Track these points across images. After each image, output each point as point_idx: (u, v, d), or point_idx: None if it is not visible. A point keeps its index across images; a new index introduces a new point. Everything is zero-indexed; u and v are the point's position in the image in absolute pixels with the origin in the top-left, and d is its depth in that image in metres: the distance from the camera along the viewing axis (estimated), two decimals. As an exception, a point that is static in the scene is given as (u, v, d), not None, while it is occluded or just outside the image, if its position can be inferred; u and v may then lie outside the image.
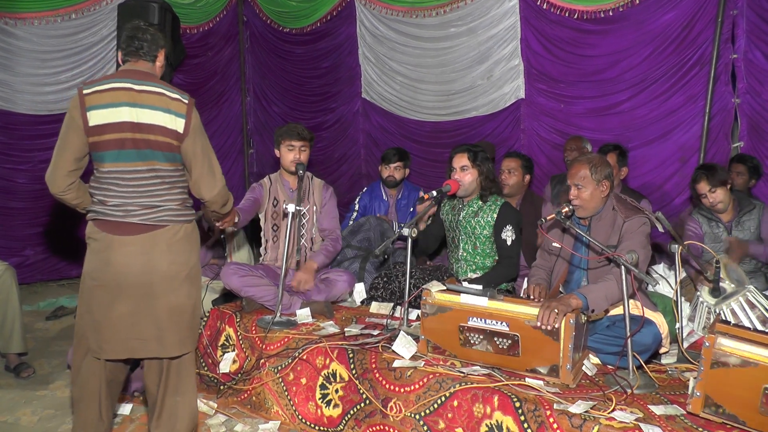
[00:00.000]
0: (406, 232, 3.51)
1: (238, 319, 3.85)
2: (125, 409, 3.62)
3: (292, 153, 4.07)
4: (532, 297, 3.15)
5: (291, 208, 3.66)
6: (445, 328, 3.08)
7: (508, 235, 3.87)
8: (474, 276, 3.94)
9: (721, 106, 5.19)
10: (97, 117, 2.65)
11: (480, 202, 3.96)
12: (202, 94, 7.53)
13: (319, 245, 4.25)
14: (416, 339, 3.23)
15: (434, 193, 3.73)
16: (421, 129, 6.57)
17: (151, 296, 2.72)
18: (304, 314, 3.83)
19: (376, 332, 3.51)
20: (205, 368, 3.86)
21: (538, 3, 5.64)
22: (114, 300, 2.70)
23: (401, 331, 3.29)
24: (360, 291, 4.20)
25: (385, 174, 5.11)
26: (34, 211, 6.69)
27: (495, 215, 3.91)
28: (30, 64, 6.29)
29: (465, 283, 3.13)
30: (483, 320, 2.96)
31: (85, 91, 2.68)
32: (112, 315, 2.70)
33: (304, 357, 3.42)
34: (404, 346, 3.17)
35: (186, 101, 2.78)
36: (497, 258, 3.97)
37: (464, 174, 3.91)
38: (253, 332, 3.72)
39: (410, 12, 6.32)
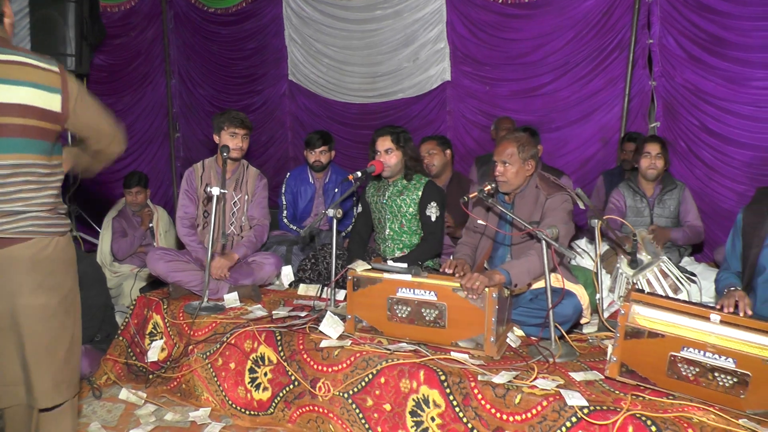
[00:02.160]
0: (330, 213, 3.50)
1: (165, 306, 3.75)
2: None
3: (234, 140, 3.98)
4: (449, 272, 3.19)
5: (216, 191, 3.59)
6: (372, 304, 3.08)
7: (433, 212, 3.92)
8: (400, 255, 3.97)
9: (639, 89, 5.40)
10: None
11: (405, 181, 3.99)
12: (126, 75, 7.27)
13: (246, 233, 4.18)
14: (343, 319, 3.22)
15: (359, 173, 3.72)
16: (348, 111, 6.55)
17: (13, 330, 2.15)
18: (231, 299, 3.78)
19: (303, 314, 3.49)
20: (133, 358, 3.76)
21: (462, -14, 5.70)
22: None
23: (328, 312, 3.29)
24: (287, 274, 4.16)
25: (311, 159, 5.07)
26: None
27: (420, 193, 3.94)
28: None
29: (390, 262, 3.13)
30: (411, 291, 2.98)
31: None
32: None
33: (233, 341, 3.37)
34: (331, 326, 3.17)
35: (56, 69, 2.19)
36: (422, 235, 4.00)
37: (389, 156, 3.92)
38: (181, 319, 3.64)
39: (337, -6, 6.27)
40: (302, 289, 3.99)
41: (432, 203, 3.93)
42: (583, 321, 3.33)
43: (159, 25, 7.50)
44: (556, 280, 3.12)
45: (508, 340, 3.03)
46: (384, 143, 3.93)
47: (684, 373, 2.44)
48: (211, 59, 7.32)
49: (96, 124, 2.32)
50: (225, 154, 3.88)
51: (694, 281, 3.82)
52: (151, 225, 5.54)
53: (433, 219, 3.92)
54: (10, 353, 2.16)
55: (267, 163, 6.99)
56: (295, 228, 5.04)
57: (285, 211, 5.14)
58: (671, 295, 3.48)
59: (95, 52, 6.54)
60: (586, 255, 4.25)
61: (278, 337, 3.25)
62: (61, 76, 2.18)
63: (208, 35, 7.27)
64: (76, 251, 4.34)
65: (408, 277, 2.99)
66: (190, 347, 3.51)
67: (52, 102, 2.15)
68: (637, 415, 2.30)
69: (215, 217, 3.65)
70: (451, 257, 3.40)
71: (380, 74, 6.26)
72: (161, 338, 3.70)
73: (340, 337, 3.14)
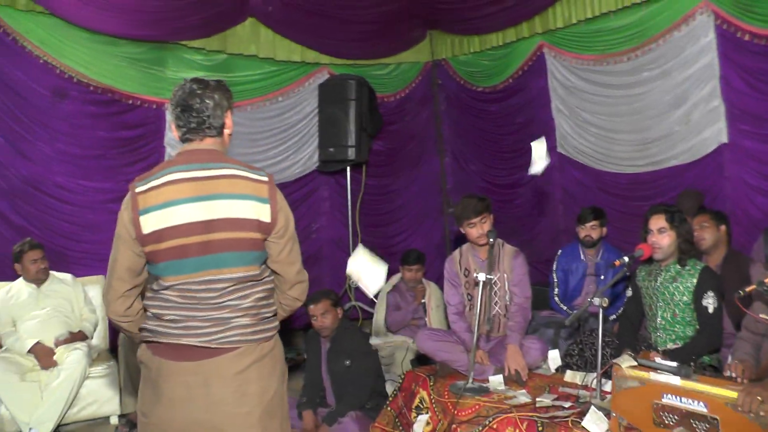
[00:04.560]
0: (596, 301, 3.42)
1: (431, 383, 3.96)
2: None
3: (474, 229, 4.10)
4: (734, 375, 2.86)
5: (482, 277, 3.78)
6: (637, 405, 2.91)
7: (710, 302, 3.57)
8: (673, 346, 3.68)
9: None
10: (153, 221, 2.10)
11: (678, 267, 3.71)
12: (401, 158, 7.83)
13: (511, 314, 4.23)
14: (608, 414, 3.09)
15: (626, 258, 3.59)
16: (618, 181, 6.24)
17: None
18: (496, 381, 3.85)
19: (567, 404, 3.42)
20: (400, 428, 4.02)
21: (738, 35, 5.09)
22: None
23: (592, 406, 3.18)
24: (554, 358, 4.12)
25: (582, 234, 5.05)
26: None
27: (695, 280, 3.64)
28: (242, 144, 6.71)
29: (658, 358, 2.94)
30: (678, 398, 2.76)
31: (137, 189, 2.13)
32: None
33: (495, 426, 3.40)
34: (595, 423, 3.06)
35: (266, 179, 2.26)
36: (698, 327, 3.68)
37: (662, 237, 3.69)
38: (446, 397, 3.80)
39: (601, 60, 6.11)
40: (569, 375, 3.92)
41: (709, 292, 3.58)
42: None
43: (431, 108, 8.00)
44: None
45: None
46: (657, 222, 3.72)
47: None
48: (481, 136, 7.58)
49: (288, 253, 2.31)
50: (491, 240, 4.00)
51: None
52: (423, 300, 5.86)
53: (710, 310, 3.57)
54: None
55: (538, 237, 6.95)
56: (565, 309, 4.98)
57: (556, 289, 5.11)
58: None
59: (373, 140, 7.23)
60: None
61: (540, 428, 3.22)
62: (270, 186, 2.25)
63: (478, 113, 7.55)
64: (352, 324, 4.83)
65: (676, 381, 2.78)
66: (454, 425, 3.62)
67: (261, 212, 2.19)
68: None
69: (481, 302, 3.80)
70: (730, 357, 3.06)
71: (650, 140, 5.88)
72: (427, 413, 3.90)
73: (604, 436, 3.01)
